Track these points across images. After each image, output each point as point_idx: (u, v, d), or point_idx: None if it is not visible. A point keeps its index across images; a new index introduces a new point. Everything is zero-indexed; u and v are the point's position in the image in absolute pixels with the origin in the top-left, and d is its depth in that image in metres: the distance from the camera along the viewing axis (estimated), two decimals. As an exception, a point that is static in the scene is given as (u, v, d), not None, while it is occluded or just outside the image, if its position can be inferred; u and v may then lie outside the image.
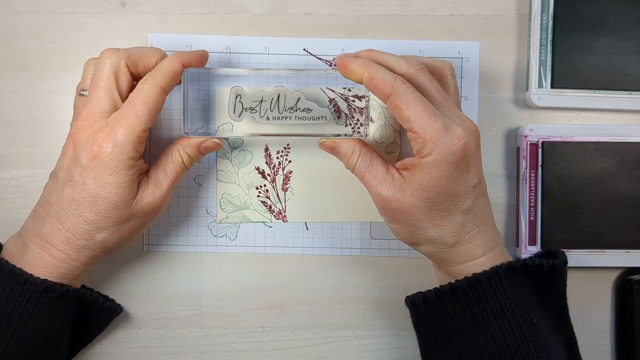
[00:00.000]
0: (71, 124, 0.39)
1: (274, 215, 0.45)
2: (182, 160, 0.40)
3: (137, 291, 0.45)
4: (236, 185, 0.45)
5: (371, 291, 0.46)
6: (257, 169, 0.45)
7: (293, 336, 0.45)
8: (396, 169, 0.39)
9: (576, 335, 0.45)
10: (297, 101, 0.41)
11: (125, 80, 0.39)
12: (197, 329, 0.45)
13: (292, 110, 0.41)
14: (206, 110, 0.44)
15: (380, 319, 0.45)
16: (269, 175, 0.45)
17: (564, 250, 0.44)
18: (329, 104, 0.45)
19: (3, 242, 0.40)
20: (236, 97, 0.40)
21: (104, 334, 0.45)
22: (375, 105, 0.45)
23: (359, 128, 0.45)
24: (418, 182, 0.37)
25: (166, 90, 0.38)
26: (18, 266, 0.37)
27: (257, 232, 0.45)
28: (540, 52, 0.44)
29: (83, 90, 0.40)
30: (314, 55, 0.45)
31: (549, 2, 0.44)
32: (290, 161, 0.45)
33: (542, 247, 0.44)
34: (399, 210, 0.37)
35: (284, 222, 0.45)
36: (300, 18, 0.45)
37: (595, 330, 0.46)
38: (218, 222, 0.45)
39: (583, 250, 0.44)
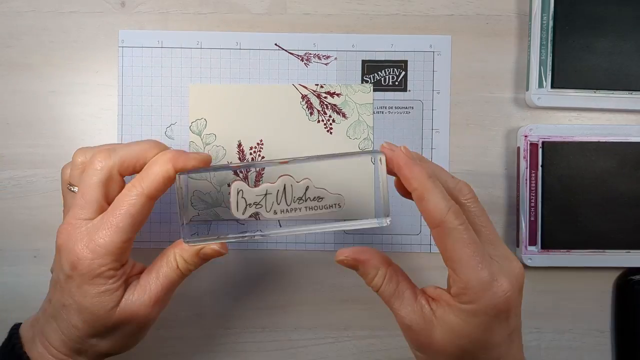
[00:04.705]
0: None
1: None
2: (177, 265, 0.37)
3: (136, 291, 0.45)
4: (207, 182, 0.44)
5: (371, 291, 0.45)
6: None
7: (293, 336, 0.45)
8: (425, 296, 0.35)
9: (576, 335, 0.45)
10: (306, 190, 0.36)
11: (116, 187, 0.36)
12: (197, 329, 0.45)
13: (301, 201, 0.36)
14: (209, 205, 0.42)
15: (380, 319, 0.45)
16: (241, 172, 0.44)
17: (564, 250, 0.44)
18: (301, 100, 0.44)
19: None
20: (238, 193, 0.35)
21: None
22: (348, 100, 0.44)
23: (331, 124, 0.44)
24: (450, 325, 0.33)
25: (154, 198, 0.35)
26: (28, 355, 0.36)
27: (257, 232, 0.45)
28: (540, 52, 0.44)
29: (71, 186, 0.37)
30: (314, 55, 0.45)
31: (549, 2, 0.44)
32: (263, 157, 0.44)
33: (542, 247, 0.44)
34: (427, 344, 0.34)
35: (257, 219, 0.44)
36: (300, 18, 0.45)
37: (595, 330, 0.46)
38: (189, 220, 0.44)
39: (583, 250, 0.44)
